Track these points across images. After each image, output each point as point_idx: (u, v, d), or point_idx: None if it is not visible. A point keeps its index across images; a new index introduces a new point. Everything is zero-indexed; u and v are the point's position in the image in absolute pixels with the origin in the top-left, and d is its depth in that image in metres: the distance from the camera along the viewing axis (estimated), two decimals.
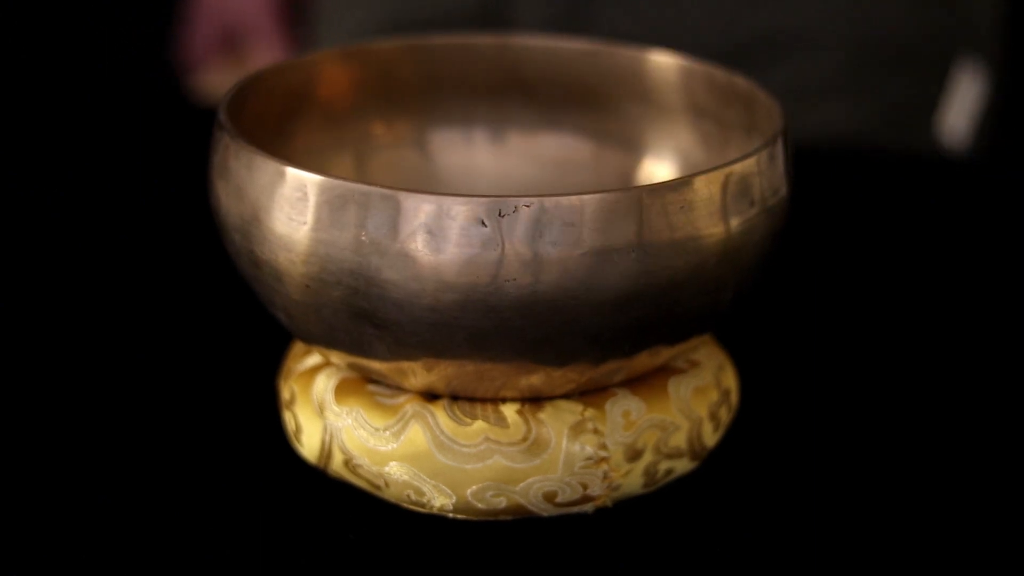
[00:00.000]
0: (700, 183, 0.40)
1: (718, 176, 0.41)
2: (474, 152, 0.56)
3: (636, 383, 0.45)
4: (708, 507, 0.45)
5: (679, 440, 0.45)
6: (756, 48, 0.80)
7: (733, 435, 0.48)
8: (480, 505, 0.44)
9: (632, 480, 0.44)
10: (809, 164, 0.56)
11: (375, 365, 0.43)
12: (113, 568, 0.42)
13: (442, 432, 0.43)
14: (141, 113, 0.83)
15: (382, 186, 0.39)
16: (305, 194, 0.40)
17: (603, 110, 0.55)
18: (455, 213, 0.39)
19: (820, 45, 0.81)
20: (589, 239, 0.39)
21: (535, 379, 0.42)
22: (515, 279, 0.39)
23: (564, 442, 0.43)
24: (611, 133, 0.55)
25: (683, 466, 0.46)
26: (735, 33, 0.80)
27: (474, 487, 0.43)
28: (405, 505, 0.44)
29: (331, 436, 0.45)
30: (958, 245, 0.66)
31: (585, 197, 0.39)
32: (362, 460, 0.44)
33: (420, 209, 0.39)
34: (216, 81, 0.96)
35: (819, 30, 0.81)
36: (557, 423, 0.43)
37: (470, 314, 0.40)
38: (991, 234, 0.68)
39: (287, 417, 0.47)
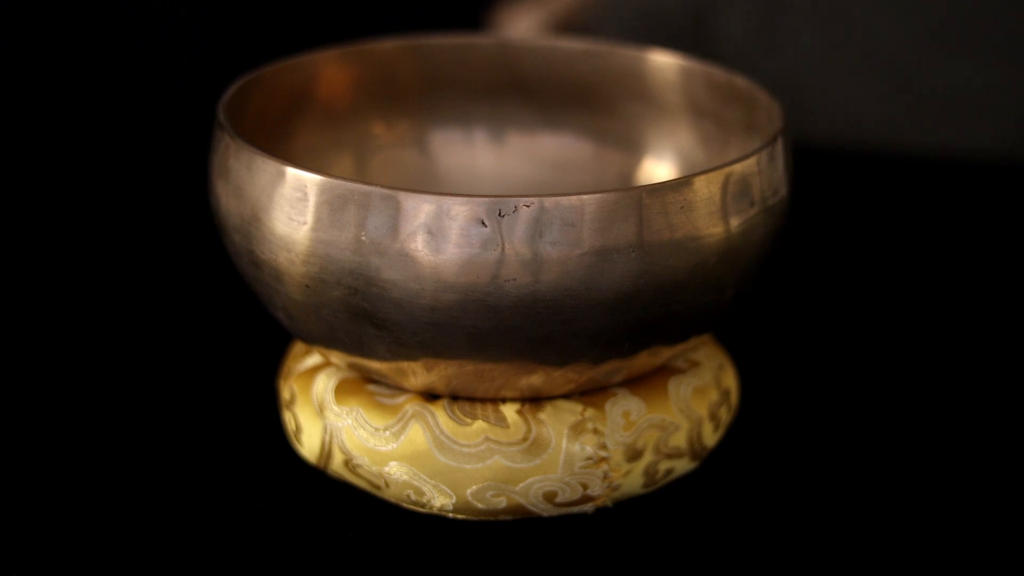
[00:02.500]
0: (700, 183, 0.40)
1: (718, 176, 0.41)
2: (474, 152, 0.56)
3: (636, 383, 0.45)
4: (708, 507, 0.45)
5: (679, 440, 0.45)
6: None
7: (733, 435, 0.48)
8: (480, 505, 0.44)
9: (632, 480, 0.44)
10: (809, 164, 0.56)
11: (375, 365, 0.43)
12: (113, 568, 0.42)
13: (442, 432, 0.43)
14: (141, 113, 0.83)
15: (382, 186, 0.39)
16: (305, 194, 0.40)
17: (603, 110, 0.55)
18: (455, 213, 0.39)
19: None
20: (589, 239, 0.39)
21: (535, 379, 0.42)
22: (515, 279, 0.39)
23: (564, 442, 0.43)
24: (611, 133, 0.55)
25: (683, 466, 0.46)
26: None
27: (474, 487, 0.43)
28: (405, 505, 0.44)
29: (331, 436, 0.45)
30: (958, 245, 0.66)
31: (585, 197, 0.39)
32: (362, 460, 0.44)
33: (420, 209, 0.39)
34: (517, 21, 0.93)
35: None
36: (557, 423, 0.43)
37: (470, 314, 0.40)
38: (991, 234, 0.68)
39: (287, 417, 0.47)
